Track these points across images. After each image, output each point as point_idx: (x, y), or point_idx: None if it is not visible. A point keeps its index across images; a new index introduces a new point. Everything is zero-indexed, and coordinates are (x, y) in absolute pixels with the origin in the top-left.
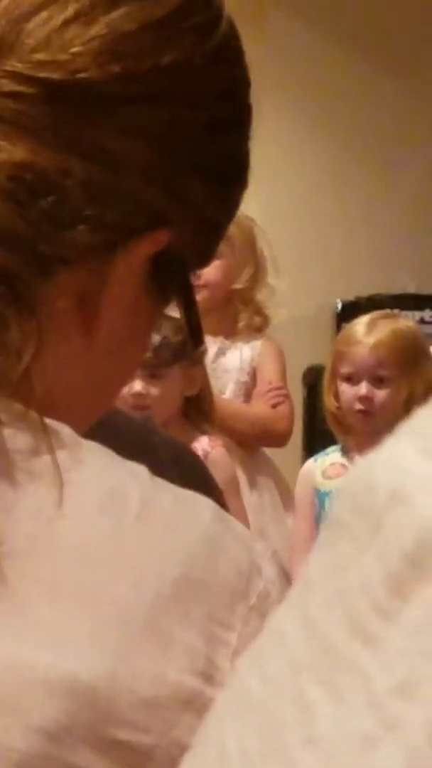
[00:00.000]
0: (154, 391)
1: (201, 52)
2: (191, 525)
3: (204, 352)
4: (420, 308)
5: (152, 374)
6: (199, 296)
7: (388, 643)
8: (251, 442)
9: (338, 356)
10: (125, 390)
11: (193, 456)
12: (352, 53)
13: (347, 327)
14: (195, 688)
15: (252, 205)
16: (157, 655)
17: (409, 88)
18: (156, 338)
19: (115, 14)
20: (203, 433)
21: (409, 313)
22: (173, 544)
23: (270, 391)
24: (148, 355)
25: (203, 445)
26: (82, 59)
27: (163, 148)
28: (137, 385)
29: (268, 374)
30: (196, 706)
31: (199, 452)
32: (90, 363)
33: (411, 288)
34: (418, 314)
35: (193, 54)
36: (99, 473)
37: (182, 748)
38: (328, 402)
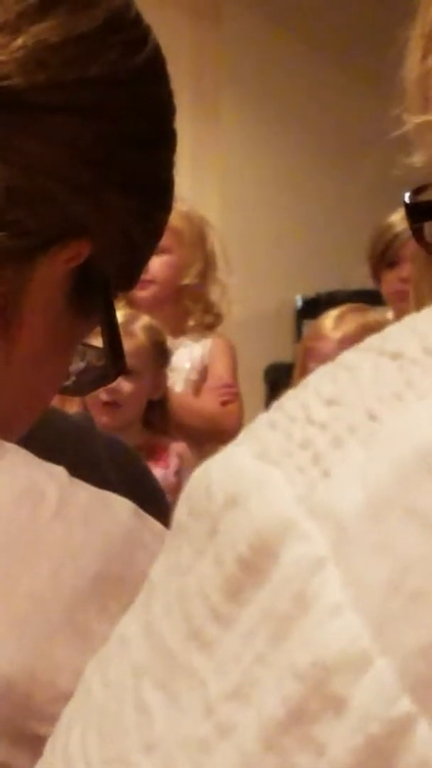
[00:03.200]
0: (127, 387)
1: (125, 69)
2: (108, 521)
3: (169, 357)
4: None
5: (126, 371)
6: (147, 292)
7: (223, 647)
8: (199, 438)
9: (306, 351)
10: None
11: (132, 456)
12: (308, 48)
13: (317, 321)
14: None
15: (212, 202)
16: (76, 649)
17: (365, 82)
18: (80, 364)
19: (43, 26)
20: (163, 435)
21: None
22: (90, 540)
23: (220, 387)
24: (71, 379)
25: (174, 446)
26: (7, 67)
27: (84, 158)
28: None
29: (219, 372)
30: None
31: (172, 452)
32: (10, 372)
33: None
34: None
35: (118, 69)
36: (15, 472)
37: None
38: None
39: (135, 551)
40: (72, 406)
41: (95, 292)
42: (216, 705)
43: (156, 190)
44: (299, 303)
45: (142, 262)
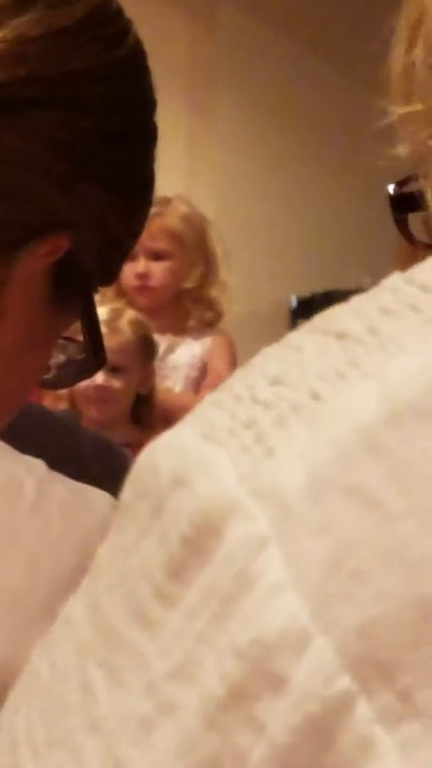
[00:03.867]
0: (116, 383)
1: (106, 63)
2: (87, 514)
3: (156, 351)
4: None
5: (114, 368)
6: (148, 298)
7: (166, 626)
8: None
9: None
10: (86, 382)
11: (118, 452)
12: (303, 47)
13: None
14: None
15: (205, 201)
16: None
17: (359, 82)
18: (60, 357)
19: (23, 19)
20: (151, 431)
21: None
22: (68, 532)
23: (218, 383)
24: (52, 372)
25: None
26: None
27: (64, 152)
28: (99, 378)
29: (218, 367)
30: None
31: None
32: None
33: (366, 283)
34: None
35: (98, 63)
36: None
37: None
38: None
39: None
40: (61, 404)
41: (75, 286)
42: (158, 683)
43: (137, 185)
44: (294, 302)
45: (122, 256)
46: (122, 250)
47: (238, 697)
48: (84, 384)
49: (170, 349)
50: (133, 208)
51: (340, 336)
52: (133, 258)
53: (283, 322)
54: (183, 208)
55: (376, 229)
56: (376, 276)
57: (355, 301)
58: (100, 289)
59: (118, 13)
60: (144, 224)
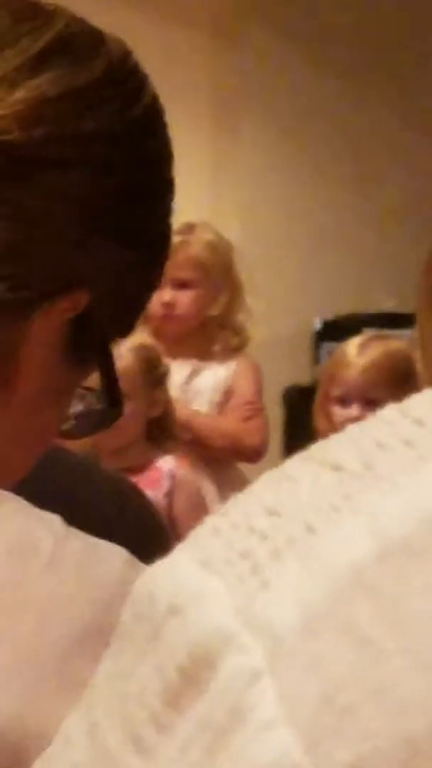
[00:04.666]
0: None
1: (123, 121)
2: (102, 572)
3: (165, 375)
4: (399, 326)
5: None
6: (174, 327)
7: (161, 754)
8: (222, 455)
9: (329, 378)
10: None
11: (134, 490)
12: (327, 71)
13: (339, 348)
14: None
15: (230, 225)
16: (65, 699)
17: (387, 106)
18: (79, 406)
19: (40, 79)
20: (166, 452)
21: (389, 332)
22: (82, 590)
23: (243, 405)
24: (71, 422)
25: (169, 465)
26: (5, 122)
27: (81, 211)
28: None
29: (243, 391)
30: None
31: (165, 473)
32: (8, 420)
33: (390, 306)
34: (397, 332)
35: (115, 123)
36: (9, 522)
37: None
38: (320, 424)
39: (126, 601)
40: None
41: (93, 339)
42: None
43: (154, 240)
44: (318, 325)
45: (139, 310)
46: (140, 304)
47: None
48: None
49: (195, 374)
50: (151, 263)
51: (336, 468)
52: (159, 287)
53: (308, 344)
54: (208, 236)
55: (401, 252)
56: (400, 298)
57: (352, 431)
58: None
59: (135, 69)
60: (161, 277)
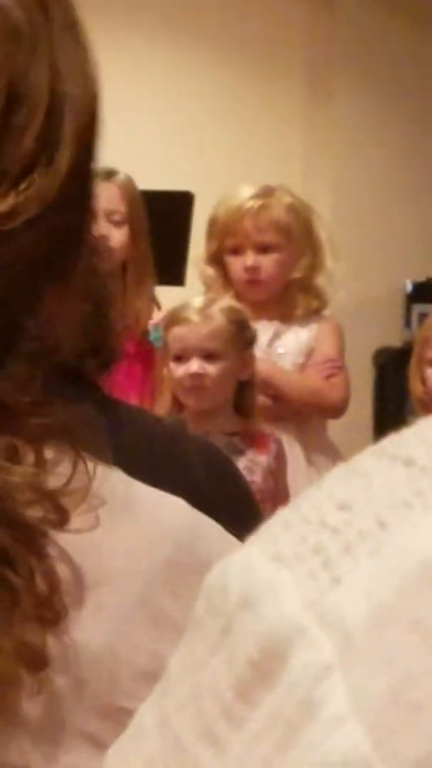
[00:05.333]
0: (211, 370)
1: None
2: (172, 514)
3: (254, 338)
4: None
5: (208, 354)
6: (259, 292)
7: (232, 747)
8: (304, 410)
9: (424, 340)
10: (181, 371)
11: (222, 457)
12: (422, 31)
13: None
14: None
15: (323, 186)
16: (151, 631)
17: None
18: None
19: None
20: (249, 418)
21: None
22: (160, 531)
23: (325, 362)
24: None
25: (268, 430)
26: None
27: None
28: (193, 365)
29: (324, 349)
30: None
31: (270, 438)
32: None
33: None
34: None
35: None
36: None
37: None
38: (415, 386)
39: (196, 541)
40: (164, 398)
41: None
42: None
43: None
44: (409, 287)
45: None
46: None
47: None
48: (179, 373)
49: (277, 336)
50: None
51: (408, 463)
52: (241, 252)
53: (399, 306)
54: (288, 199)
55: None
56: None
57: (424, 425)
58: (208, 281)
59: None
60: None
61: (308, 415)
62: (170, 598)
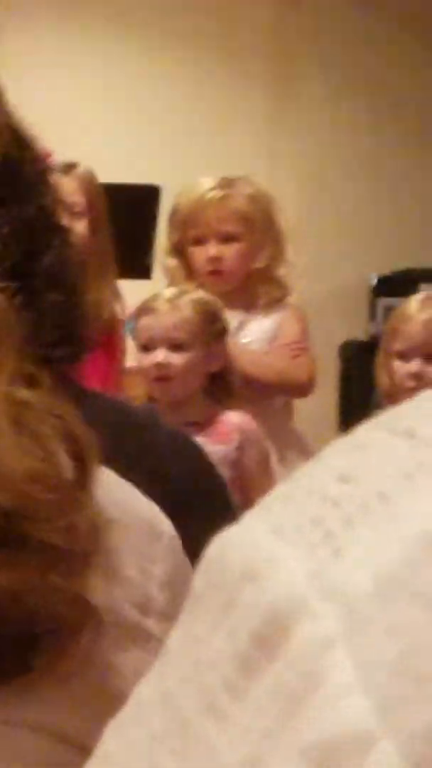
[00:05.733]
0: (177, 361)
1: None
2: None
3: (227, 328)
4: None
5: (175, 345)
6: (221, 282)
7: (235, 720)
8: (270, 391)
9: (391, 333)
10: (147, 360)
11: (195, 447)
12: (390, 23)
13: (402, 304)
14: (134, 619)
15: (288, 179)
16: (104, 586)
17: None
18: None
19: None
20: (226, 408)
21: None
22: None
23: (290, 344)
24: None
25: (237, 419)
26: None
27: None
28: (159, 355)
29: (288, 333)
30: (138, 637)
31: (233, 426)
32: None
33: None
34: None
35: None
36: None
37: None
38: (382, 379)
39: (129, 496)
40: (135, 388)
41: None
42: None
43: None
44: (374, 281)
45: None
46: None
47: None
48: (146, 363)
49: (242, 326)
50: None
51: (408, 435)
52: (204, 242)
53: (364, 300)
54: (249, 189)
55: None
56: None
57: (423, 398)
58: (170, 272)
59: None
60: None
61: (274, 406)
62: (117, 553)
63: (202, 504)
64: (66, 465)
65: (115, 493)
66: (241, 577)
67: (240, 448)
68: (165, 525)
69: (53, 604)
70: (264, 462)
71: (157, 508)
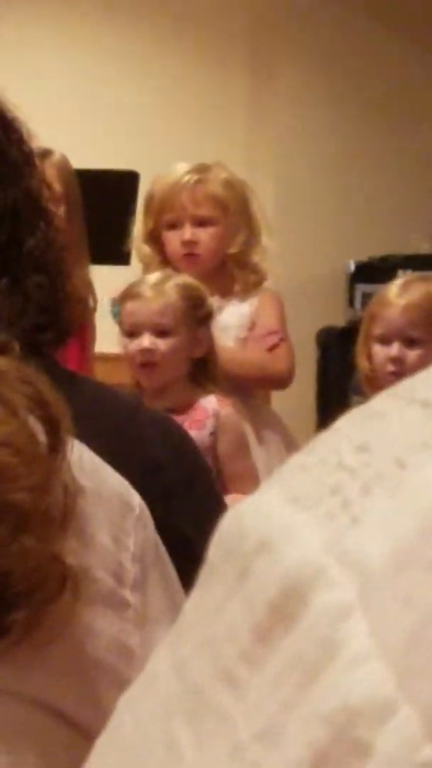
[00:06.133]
0: (162, 346)
1: None
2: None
3: (209, 315)
4: None
5: (160, 331)
6: (196, 266)
7: (252, 690)
8: (251, 386)
9: (371, 317)
10: (133, 346)
11: (178, 429)
12: (364, 12)
13: (381, 289)
14: (110, 586)
15: (265, 165)
16: (80, 551)
17: (425, 48)
18: None
19: None
20: (208, 393)
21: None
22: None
23: (266, 335)
24: None
25: (212, 404)
26: None
27: None
28: (144, 341)
29: (265, 321)
30: (114, 604)
31: (210, 412)
32: None
33: (425, 248)
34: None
35: None
36: None
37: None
38: (361, 363)
39: (101, 471)
40: (120, 374)
41: None
42: (243, 746)
43: None
44: (352, 267)
45: None
46: None
47: (323, 764)
48: (131, 349)
49: (218, 311)
50: None
51: (425, 405)
52: (178, 226)
53: (342, 286)
54: (223, 174)
55: None
56: None
57: None
58: (145, 259)
59: None
60: None
61: (252, 390)
62: (93, 522)
63: (187, 486)
64: (38, 430)
65: (88, 464)
66: (257, 547)
67: (213, 433)
68: (136, 498)
69: (27, 565)
70: (240, 448)
71: (127, 483)
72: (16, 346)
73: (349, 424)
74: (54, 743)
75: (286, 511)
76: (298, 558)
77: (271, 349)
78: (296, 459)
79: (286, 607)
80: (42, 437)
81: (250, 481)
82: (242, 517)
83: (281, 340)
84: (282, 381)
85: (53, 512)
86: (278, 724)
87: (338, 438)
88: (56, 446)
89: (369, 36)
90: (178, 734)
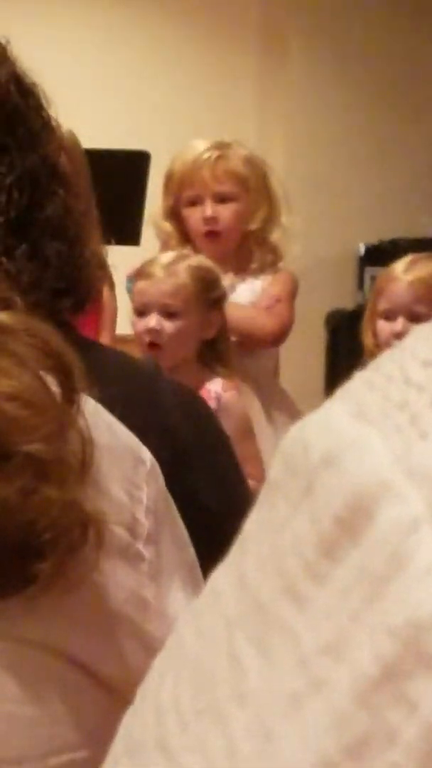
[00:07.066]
0: (169, 327)
1: None
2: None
3: (222, 298)
4: None
5: (169, 312)
6: (217, 243)
7: (318, 604)
8: (238, 338)
9: (377, 293)
10: (141, 325)
11: (199, 399)
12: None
13: (390, 265)
14: (126, 539)
15: (277, 146)
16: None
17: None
18: None
19: None
20: (217, 375)
21: None
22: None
23: (268, 299)
24: None
25: (216, 387)
26: None
27: None
28: (152, 321)
29: (275, 292)
30: (130, 557)
31: (212, 395)
32: None
33: None
34: None
35: None
36: None
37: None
38: (367, 339)
39: (115, 427)
40: (132, 350)
41: None
42: (309, 660)
43: None
44: (362, 250)
45: None
46: None
47: (391, 676)
48: (139, 328)
49: (232, 288)
50: None
51: None
52: (199, 203)
53: (352, 269)
54: (243, 151)
55: None
56: None
57: None
58: (164, 236)
59: None
60: None
61: (262, 368)
62: (108, 477)
63: (207, 453)
64: (50, 381)
65: (99, 419)
66: (322, 462)
67: (215, 414)
68: (146, 453)
69: (50, 514)
70: (242, 432)
71: (136, 438)
72: (19, 301)
73: (414, 342)
74: (81, 697)
75: (353, 426)
76: (365, 472)
77: (267, 308)
78: (360, 376)
79: (352, 522)
80: (55, 387)
81: (252, 465)
82: (307, 432)
83: (277, 301)
84: (267, 338)
85: (71, 461)
86: (344, 638)
87: (404, 355)
88: (70, 396)
89: (381, 15)
90: (240, 649)
